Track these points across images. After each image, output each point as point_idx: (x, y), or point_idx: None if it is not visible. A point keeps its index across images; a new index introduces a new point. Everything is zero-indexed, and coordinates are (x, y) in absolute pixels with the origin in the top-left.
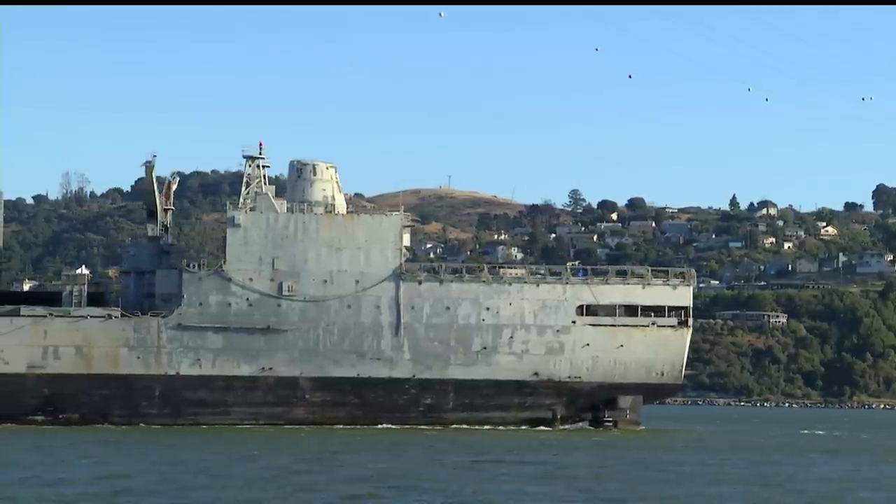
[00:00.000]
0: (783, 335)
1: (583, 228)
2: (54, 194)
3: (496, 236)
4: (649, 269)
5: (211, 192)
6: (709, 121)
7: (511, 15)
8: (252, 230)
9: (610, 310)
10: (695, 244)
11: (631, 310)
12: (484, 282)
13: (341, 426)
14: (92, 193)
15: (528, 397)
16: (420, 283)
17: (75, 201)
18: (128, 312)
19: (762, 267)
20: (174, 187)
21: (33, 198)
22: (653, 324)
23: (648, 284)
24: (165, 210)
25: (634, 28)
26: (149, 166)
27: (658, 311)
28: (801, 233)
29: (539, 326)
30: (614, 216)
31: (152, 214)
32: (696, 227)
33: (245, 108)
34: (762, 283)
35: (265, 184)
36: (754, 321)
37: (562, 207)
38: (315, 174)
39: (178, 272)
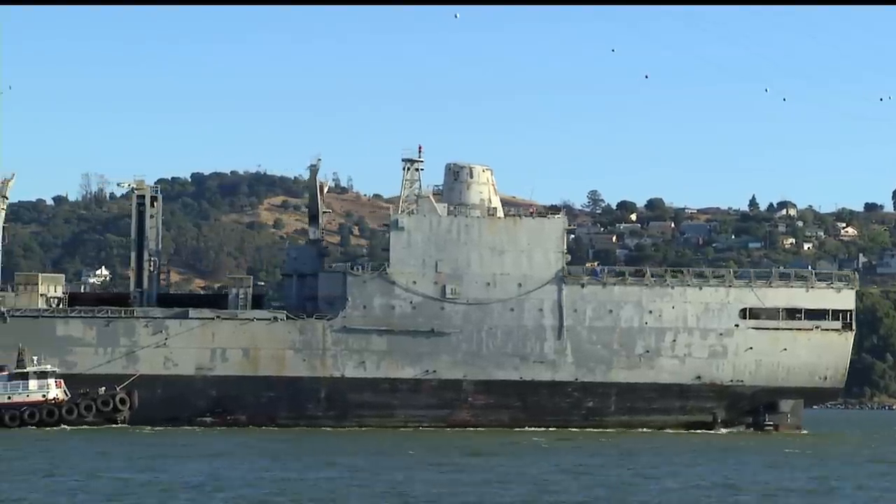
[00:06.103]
0: None
1: (602, 229)
2: (74, 195)
3: None
4: (813, 271)
5: (229, 192)
6: (727, 121)
7: (527, 15)
8: (415, 233)
9: (773, 313)
10: (714, 245)
11: (792, 313)
12: (646, 285)
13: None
14: (111, 195)
15: (689, 401)
16: (583, 286)
17: (95, 202)
18: (293, 315)
19: (782, 267)
20: (326, 189)
21: (53, 199)
22: (816, 327)
23: (812, 287)
24: (323, 213)
25: (650, 28)
26: (313, 169)
27: (820, 314)
28: (821, 233)
29: (702, 330)
30: (633, 217)
31: (314, 218)
32: (715, 227)
33: (249, 108)
34: None
35: (422, 186)
36: None
37: (580, 208)
38: (472, 177)
39: (341, 275)
